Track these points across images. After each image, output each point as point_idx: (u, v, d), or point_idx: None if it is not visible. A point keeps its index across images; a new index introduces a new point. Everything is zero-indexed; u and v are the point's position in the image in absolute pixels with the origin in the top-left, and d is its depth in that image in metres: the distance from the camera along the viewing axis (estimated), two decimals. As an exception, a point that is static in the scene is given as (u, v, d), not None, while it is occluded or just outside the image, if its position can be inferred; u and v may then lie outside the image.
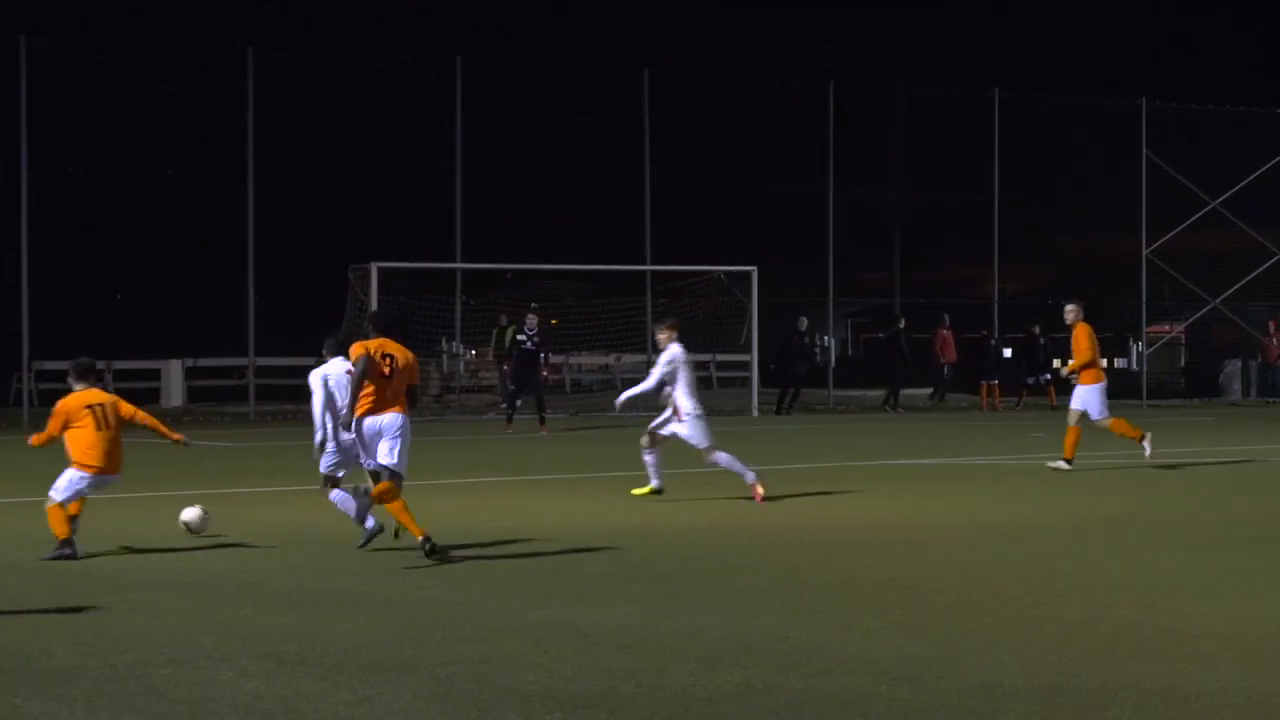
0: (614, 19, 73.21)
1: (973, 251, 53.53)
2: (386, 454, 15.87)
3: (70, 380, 16.61)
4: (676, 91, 50.63)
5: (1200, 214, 52.81)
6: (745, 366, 46.85)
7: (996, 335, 49.75)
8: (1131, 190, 52.28)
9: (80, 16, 56.16)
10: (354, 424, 15.92)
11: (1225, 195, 52.81)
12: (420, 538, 15.48)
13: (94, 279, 48.67)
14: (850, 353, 63.35)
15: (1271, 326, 52.34)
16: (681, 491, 21.84)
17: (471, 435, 35.32)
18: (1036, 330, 47.65)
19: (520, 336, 37.52)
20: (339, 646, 11.35)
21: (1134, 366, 54.53)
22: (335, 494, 16.88)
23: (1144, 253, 52.33)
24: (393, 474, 15.85)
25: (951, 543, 17.08)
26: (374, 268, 39.88)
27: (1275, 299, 54.27)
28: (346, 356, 16.64)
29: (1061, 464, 25.27)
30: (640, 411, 27.46)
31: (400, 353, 16.11)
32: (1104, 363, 30.51)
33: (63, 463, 16.32)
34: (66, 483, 16.17)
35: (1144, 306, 53.04)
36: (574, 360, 52.71)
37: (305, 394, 17.47)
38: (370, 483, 16.15)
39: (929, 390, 50.63)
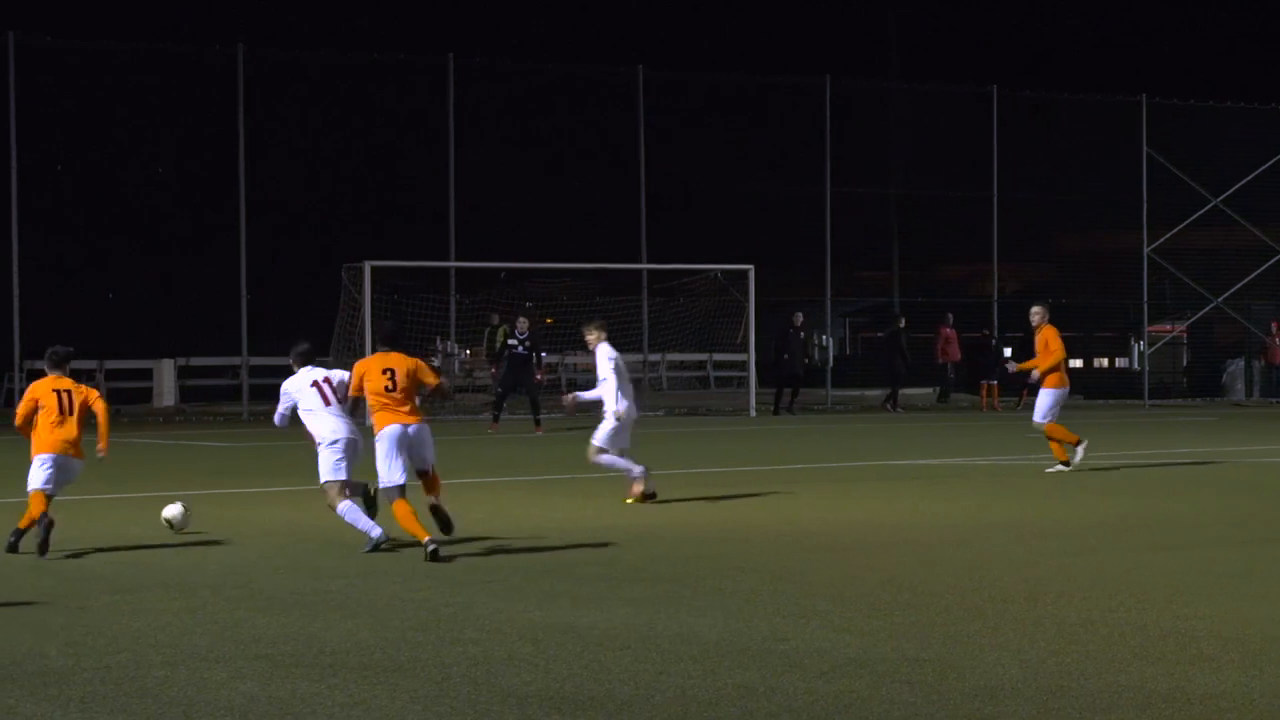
0: (609, 15, 73.24)
1: (972, 250, 53.49)
2: (420, 462, 16.46)
3: (46, 367, 16.89)
4: (672, 88, 50.57)
5: (1202, 211, 52.79)
6: (742, 366, 46.77)
7: (997, 335, 49.67)
8: (1132, 188, 52.26)
9: (71, 12, 56.14)
10: (376, 437, 16.33)
11: (1227, 193, 52.78)
12: (425, 539, 15.74)
13: (86, 278, 48.60)
14: (849, 352, 63.28)
15: (1274, 326, 52.25)
16: (679, 493, 21.77)
17: (466, 435, 35.24)
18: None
19: (511, 340, 37.44)
20: (335, 648, 11.29)
21: (1135, 366, 54.46)
22: (344, 507, 16.69)
23: (1145, 251, 52.30)
24: (426, 472, 16.53)
25: (951, 543, 17.02)
26: (367, 266, 39.81)
27: (1278, 298, 54.24)
28: (315, 365, 17.10)
29: (1059, 466, 25.20)
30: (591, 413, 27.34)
31: (399, 363, 16.47)
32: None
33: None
34: (33, 472, 16.41)
35: (1145, 305, 52.99)
36: (569, 360, 52.63)
37: None
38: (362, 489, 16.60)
39: (931, 389, 50.57)
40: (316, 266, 44.42)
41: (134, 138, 48.78)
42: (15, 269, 41.83)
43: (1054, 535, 17.71)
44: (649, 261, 47.85)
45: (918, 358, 48.27)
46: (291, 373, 17.26)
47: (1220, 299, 53.30)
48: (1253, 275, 53.54)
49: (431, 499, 16.53)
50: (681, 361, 53.49)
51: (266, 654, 11.11)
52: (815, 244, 49.82)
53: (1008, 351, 49.60)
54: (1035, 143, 52.26)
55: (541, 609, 12.82)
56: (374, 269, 40.01)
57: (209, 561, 15.82)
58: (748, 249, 45.91)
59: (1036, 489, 23.00)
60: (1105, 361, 62.77)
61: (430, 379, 16.74)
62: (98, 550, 16.64)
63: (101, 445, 16.76)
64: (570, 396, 22.50)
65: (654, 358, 50.64)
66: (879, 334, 54.72)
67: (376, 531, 16.28)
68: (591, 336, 21.24)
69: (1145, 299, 52.86)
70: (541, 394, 37.88)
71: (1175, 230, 52.60)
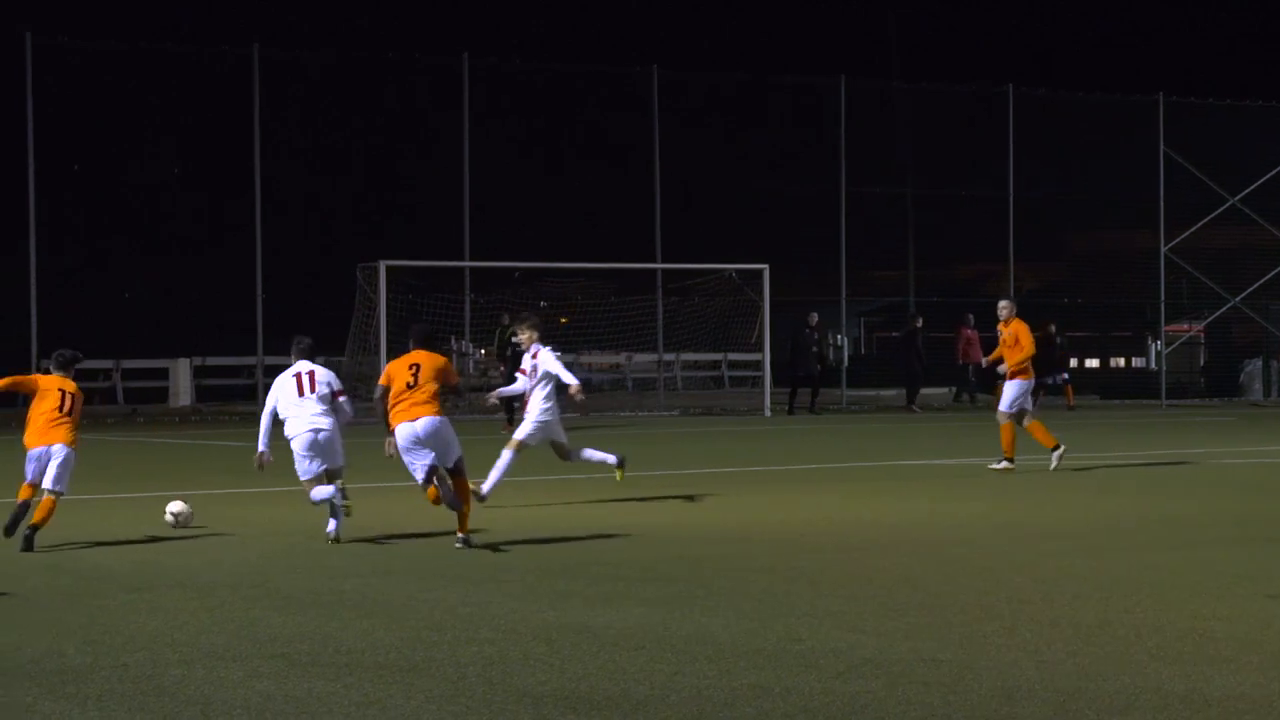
0: (623, 15, 73.21)
1: (987, 249, 53.39)
2: (441, 458, 16.72)
3: (51, 368, 17.23)
4: (686, 88, 50.54)
5: (1219, 210, 52.67)
6: (757, 366, 46.71)
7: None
8: (1149, 186, 52.12)
9: (85, 13, 56.16)
10: (393, 432, 16.74)
11: (1245, 191, 52.65)
12: (463, 534, 16.41)
13: (102, 279, 48.66)
14: (864, 352, 63.22)
15: (1292, 325, 52.21)
16: (693, 492, 21.75)
17: (480, 434, 35.18)
18: (1053, 329, 47.41)
19: (515, 340, 37.35)
20: (350, 647, 11.29)
21: (1153, 366, 54.35)
22: (318, 491, 17.14)
23: (1162, 250, 52.18)
24: (454, 471, 16.82)
25: (967, 544, 16.98)
26: (382, 266, 39.82)
27: (1296, 297, 54.15)
28: (313, 360, 17.65)
29: (1054, 458, 25.09)
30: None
31: (427, 360, 16.95)
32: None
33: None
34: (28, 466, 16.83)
35: (1163, 305, 52.87)
36: (584, 359, 52.62)
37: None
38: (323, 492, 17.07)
39: (947, 389, 50.46)
40: (331, 266, 44.42)
41: (147, 138, 48.82)
42: (32, 269, 41.86)
43: (1069, 535, 17.67)
44: (663, 261, 47.82)
45: (935, 358, 48.16)
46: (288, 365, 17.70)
47: (1238, 298, 53.17)
48: (1271, 274, 53.38)
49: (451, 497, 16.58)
50: (696, 361, 53.50)
51: (282, 653, 11.11)
52: (830, 243, 49.77)
53: None
54: (1050, 141, 52.17)
55: (556, 609, 12.81)
56: (389, 268, 40.03)
57: (225, 560, 15.84)
58: (762, 248, 45.86)
59: (1051, 489, 22.95)
60: (1122, 361, 62.68)
61: (454, 379, 17.44)
62: (114, 547, 16.67)
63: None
64: (492, 395, 22.64)
65: (669, 357, 50.63)
66: (895, 334, 54.65)
67: (331, 526, 16.82)
68: (524, 335, 20.83)
69: (1163, 298, 52.73)
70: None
71: (1192, 229, 52.47)
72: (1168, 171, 52.07)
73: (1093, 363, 63.45)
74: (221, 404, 45.95)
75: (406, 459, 16.73)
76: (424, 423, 16.63)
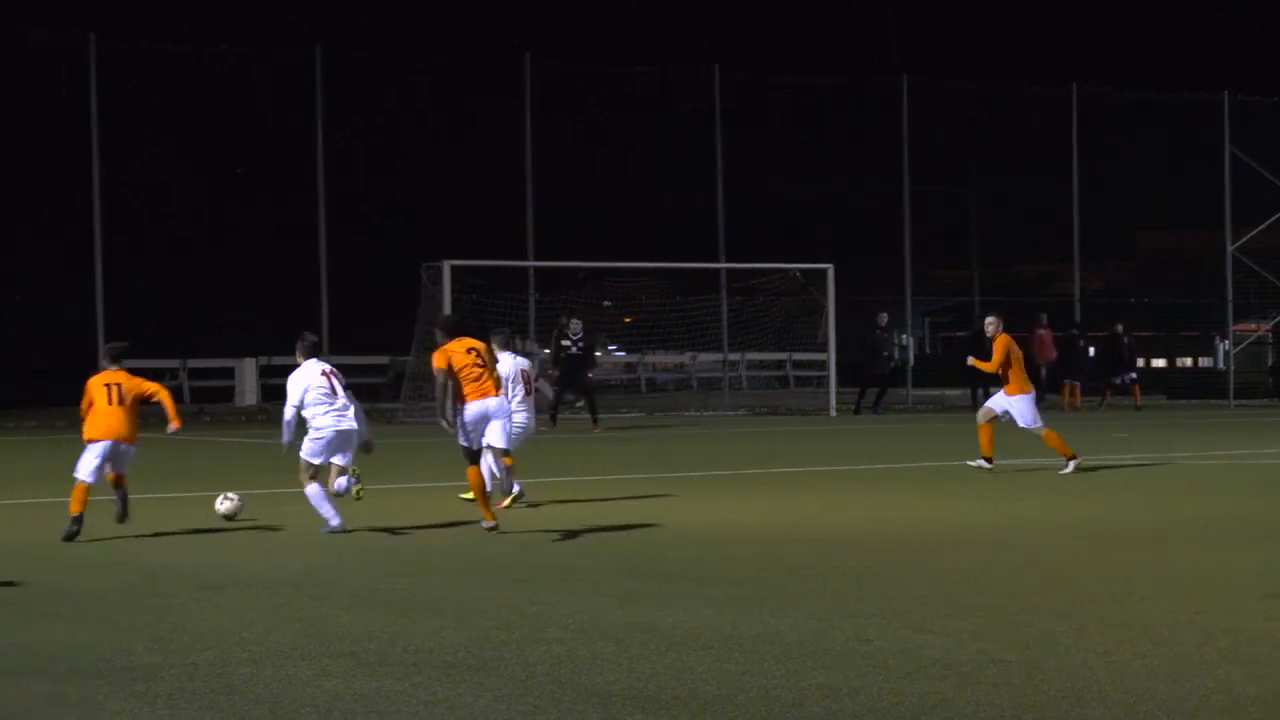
0: (686, 15, 73.15)
1: (1052, 248, 53.20)
2: (497, 436, 17.77)
3: (102, 361, 18.18)
4: (749, 88, 50.50)
5: (1287, 209, 52.35)
6: (822, 366, 46.62)
7: (1084, 334, 49.34)
8: (1215, 186, 51.82)
9: (146, 15, 56.40)
10: (459, 412, 17.57)
11: (1313, 190, 52.32)
12: (491, 522, 17.33)
13: (168, 279, 48.92)
14: (929, 351, 63.03)
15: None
16: (758, 492, 21.73)
17: (545, 434, 35.25)
18: (1120, 329, 47.21)
19: (565, 341, 37.45)
20: (418, 646, 11.30)
21: (1220, 365, 54.01)
22: (311, 490, 17.81)
23: (1229, 249, 51.87)
24: (504, 451, 18.21)
25: (1034, 544, 16.90)
26: (446, 265, 39.89)
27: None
28: (319, 358, 18.37)
29: (982, 462, 25.00)
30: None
31: (482, 344, 18.05)
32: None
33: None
34: (81, 460, 17.40)
35: (1230, 304, 52.54)
36: (649, 359, 52.65)
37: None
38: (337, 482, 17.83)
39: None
40: (395, 266, 44.55)
41: (210, 139, 49.04)
42: (99, 269, 42.12)
43: (1137, 535, 17.58)
44: (727, 260, 47.76)
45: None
46: (296, 365, 18.35)
47: (1306, 297, 52.90)
48: (1340, 273, 53.06)
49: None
50: (761, 361, 53.44)
51: (350, 651, 11.13)
52: (893, 243, 49.67)
53: (1091, 351, 49.27)
54: (1116, 140, 51.94)
55: (624, 608, 12.81)
56: (453, 268, 40.09)
57: (289, 558, 15.91)
58: (826, 247, 45.77)
59: (1118, 489, 22.84)
60: (1189, 361, 62.35)
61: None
62: (179, 545, 16.80)
63: (174, 424, 17.86)
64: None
65: (733, 357, 50.60)
66: (960, 334, 54.46)
67: (336, 521, 17.58)
68: (497, 343, 20.30)
69: (1230, 297, 52.40)
70: (597, 393, 38.16)
71: (1260, 228, 52.14)
72: (1234, 170, 51.75)
73: (1159, 362, 63.20)
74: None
75: (472, 434, 17.59)
76: (495, 402, 17.69)
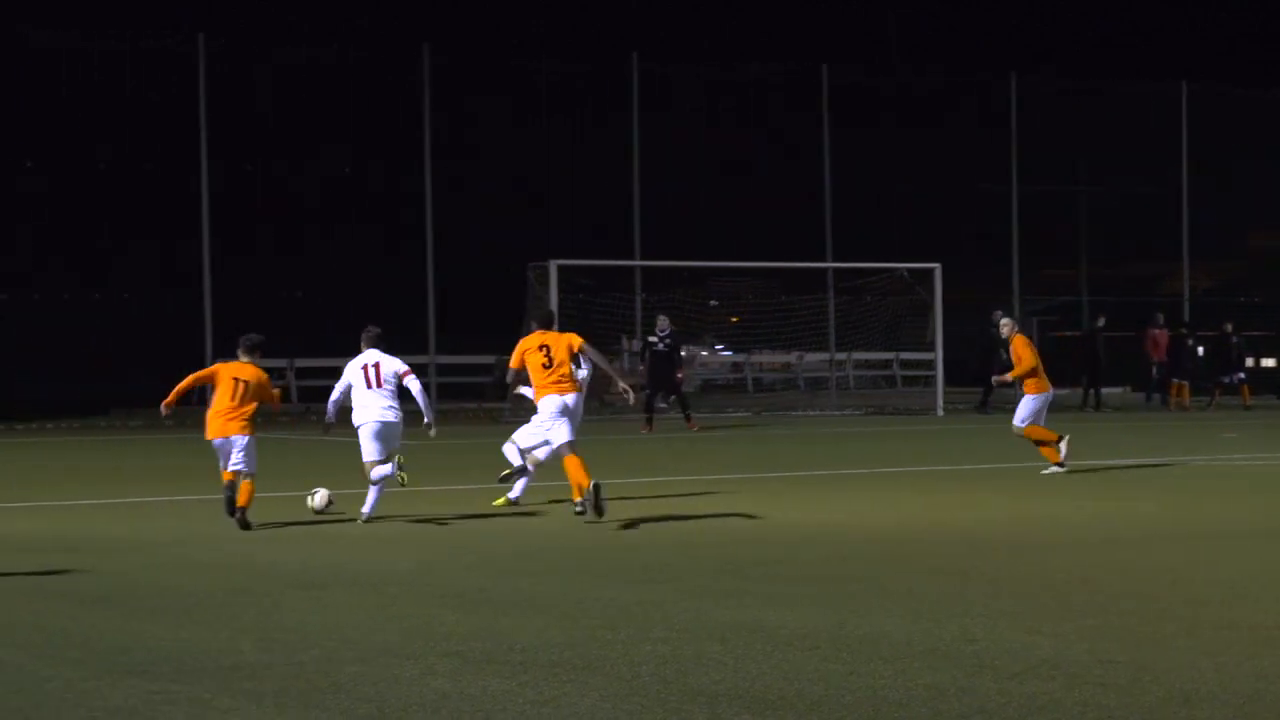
0: (794, 13, 72.97)
1: (1160, 247, 52.77)
2: (561, 434, 18.33)
3: (240, 353, 18.88)
4: (858, 86, 50.36)
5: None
6: (929, 365, 46.42)
7: (1193, 334, 48.92)
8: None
9: (256, 17, 56.83)
10: (543, 401, 18.38)
11: None
12: (579, 499, 18.00)
13: (276, 278, 49.27)
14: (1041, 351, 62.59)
15: None
16: (864, 491, 21.65)
17: (627, 435, 35.24)
18: (1229, 328, 46.76)
19: (652, 339, 37.48)
20: (523, 645, 11.31)
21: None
22: (378, 470, 18.75)
23: (1340, 248, 51.36)
24: (571, 445, 18.38)
25: (1140, 544, 16.78)
26: (553, 265, 40.00)
27: None
28: (382, 348, 19.61)
29: (1053, 468, 24.75)
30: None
31: (554, 340, 18.66)
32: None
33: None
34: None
35: (1343, 304, 52.02)
36: (755, 359, 52.59)
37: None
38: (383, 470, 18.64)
39: (1121, 389, 49.84)
40: (503, 266, 44.68)
41: (319, 140, 49.35)
42: (206, 269, 42.47)
43: (1245, 535, 17.41)
44: (834, 260, 47.62)
45: (1115, 356, 47.53)
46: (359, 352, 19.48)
47: None
48: None
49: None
50: (868, 360, 53.28)
51: (457, 651, 11.15)
52: (1001, 242, 49.39)
53: (1200, 350, 48.81)
54: (1226, 139, 51.46)
55: (730, 608, 12.78)
56: (560, 268, 40.20)
57: (393, 557, 15.97)
58: (933, 247, 45.58)
59: (1225, 490, 22.62)
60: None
61: (576, 347, 18.68)
62: (284, 544, 16.90)
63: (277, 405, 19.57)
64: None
65: (840, 356, 50.46)
66: (1072, 333, 54.09)
67: (367, 505, 18.61)
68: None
69: (1343, 297, 51.89)
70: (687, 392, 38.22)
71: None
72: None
73: (1269, 362, 62.51)
74: (393, 402, 46.23)
75: (548, 425, 18.32)
76: (573, 398, 18.45)
